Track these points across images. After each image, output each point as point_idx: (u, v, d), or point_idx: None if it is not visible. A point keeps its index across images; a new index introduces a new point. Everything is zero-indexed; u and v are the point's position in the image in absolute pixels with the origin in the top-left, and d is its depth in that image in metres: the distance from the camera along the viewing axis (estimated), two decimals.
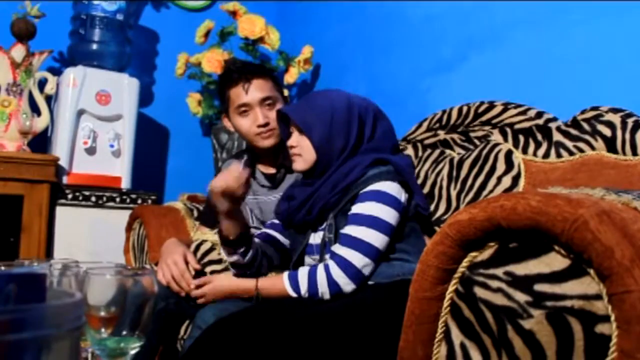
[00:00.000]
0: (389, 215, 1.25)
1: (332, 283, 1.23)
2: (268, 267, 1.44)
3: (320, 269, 1.25)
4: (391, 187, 1.27)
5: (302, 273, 1.27)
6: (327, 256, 1.30)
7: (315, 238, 1.38)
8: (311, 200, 1.34)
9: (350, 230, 1.25)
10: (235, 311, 1.22)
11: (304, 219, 1.36)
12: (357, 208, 1.27)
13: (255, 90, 1.59)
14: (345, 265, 1.23)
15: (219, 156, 2.56)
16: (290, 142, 1.39)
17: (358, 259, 1.23)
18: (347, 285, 1.23)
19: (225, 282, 1.36)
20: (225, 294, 1.35)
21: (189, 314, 1.45)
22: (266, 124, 1.58)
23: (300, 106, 1.40)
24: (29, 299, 0.47)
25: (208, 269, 1.48)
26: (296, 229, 1.42)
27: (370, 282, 1.26)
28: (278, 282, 1.29)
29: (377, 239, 1.24)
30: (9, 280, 0.47)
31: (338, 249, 1.25)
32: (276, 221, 1.51)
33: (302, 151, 1.36)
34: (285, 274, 1.29)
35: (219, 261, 1.50)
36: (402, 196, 1.29)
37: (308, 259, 1.40)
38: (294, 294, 1.26)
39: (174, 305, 1.43)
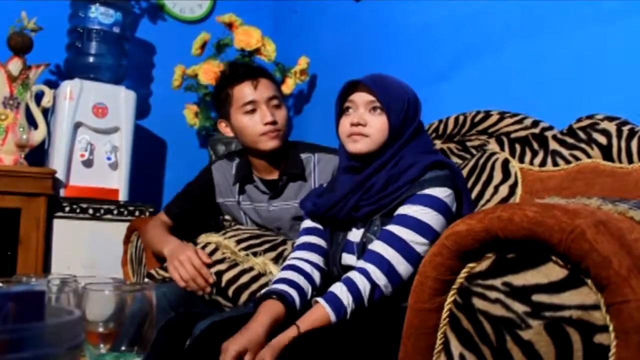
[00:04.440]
0: (437, 222, 1.14)
1: (373, 287, 1.11)
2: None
3: (357, 276, 1.12)
4: (446, 194, 1.17)
5: (340, 289, 1.11)
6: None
7: (355, 236, 1.26)
8: (359, 193, 1.22)
9: (392, 228, 1.14)
10: (231, 315, 1.22)
11: (348, 215, 1.23)
12: (405, 209, 1.16)
13: (263, 88, 1.55)
14: (383, 264, 1.11)
15: None
16: (357, 119, 1.22)
17: (397, 260, 1.11)
18: (387, 287, 1.12)
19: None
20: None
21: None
22: (274, 122, 1.53)
23: (377, 82, 1.24)
24: (27, 318, 0.47)
25: (213, 270, 1.47)
26: (336, 225, 1.29)
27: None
28: (319, 314, 1.09)
29: (419, 244, 1.13)
30: (7, 299, 0.47)
31: (376, 246, 1.14)
32: (310, 225, 1.35)
33: (373, 131, 1.22)
34: (322, 302, 1.11)
35: (223, 260, 1.49)
36: (454, 206, 1.19)
37: (347, 257, 1.27)
38: (334, 319, 1.09)
39: (183, 316, 1.42)
